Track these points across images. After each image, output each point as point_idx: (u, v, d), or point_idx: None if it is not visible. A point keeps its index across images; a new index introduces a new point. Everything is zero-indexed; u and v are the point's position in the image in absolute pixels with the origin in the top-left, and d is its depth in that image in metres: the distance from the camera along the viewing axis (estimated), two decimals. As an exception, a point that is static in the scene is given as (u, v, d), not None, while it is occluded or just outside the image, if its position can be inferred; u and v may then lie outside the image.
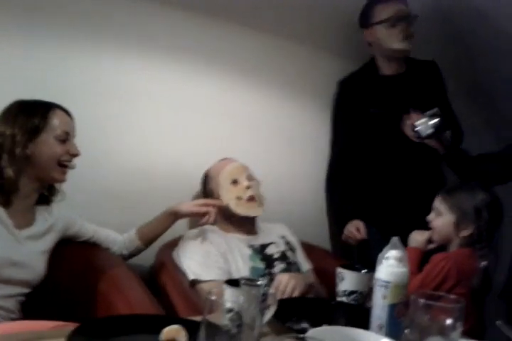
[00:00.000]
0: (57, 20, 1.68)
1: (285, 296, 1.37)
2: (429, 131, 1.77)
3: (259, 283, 0.98)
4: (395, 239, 1.00)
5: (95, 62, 1.76)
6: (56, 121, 1.40)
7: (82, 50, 1.73)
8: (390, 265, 0.98)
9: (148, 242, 1.66)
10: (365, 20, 2.06)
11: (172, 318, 1.10)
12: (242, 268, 1.63)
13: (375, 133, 2.06)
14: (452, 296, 0.91)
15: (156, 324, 0.98)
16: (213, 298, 0.81)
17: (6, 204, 1.34)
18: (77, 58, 1.72)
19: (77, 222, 1.56)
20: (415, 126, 1.80)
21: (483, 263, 1.45)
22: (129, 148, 1.83)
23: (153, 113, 1.88)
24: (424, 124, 1.78)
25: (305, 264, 1.81)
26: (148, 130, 1.87)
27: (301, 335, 0.72)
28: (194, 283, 1.56)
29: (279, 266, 1.70)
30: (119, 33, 1.79)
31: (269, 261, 1.70)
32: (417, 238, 1.61)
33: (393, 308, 0.97)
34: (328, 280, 1.73)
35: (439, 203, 1.59)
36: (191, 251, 1.63)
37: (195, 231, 1.72)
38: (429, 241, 1.61)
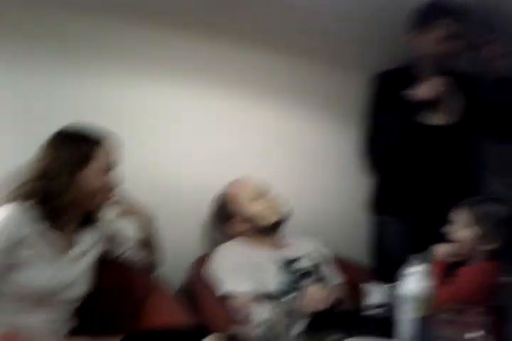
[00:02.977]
0: (108, 48, 1.78)
1: (314, 308, 1.41)
2: None
3: (290, 296, 1.02)
4: (416, 255, 1.04)
5: (127, 85, 1.83)
6: (102, 151, 1.44)
7: (119, 75, 1.82)
8: (415, 280, 1.02)
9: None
10: (417, 25, 2.04)
11: (210, 330, 1.15)
12: (271, 282, 1.67)
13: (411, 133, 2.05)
14: (479, 309, 0.94)
15: (194, 336, 1.04)
16: (246, 311, 0.85)
17: (58, 229, 1.41)
18: (113, 83, 1.81)
19: (117, 235, 1.61)
20: None
21: (507, 279, 1.44)
22: (158, 167, 1.89)
23: (179, 132, 1.94)
24: None
25: (335, 278, 1.84)
26: (176, 149, 1.94)
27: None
28: (226, 296, 1.61)
29: (307, 280, 1.73)
30: (151, 57, 1.87)
31: (297, 275, 1.74)
32: (441, 250, 1.61)
33: (420, 321, 1.00)
34: (359, 294, 1.76)
35: (463, 215, 1.57)
36: (223, 265, 1.69)
37: (225, 245, 1.78)
38: (453, 253, 1.59)
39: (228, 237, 1.85)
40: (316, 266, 1.81)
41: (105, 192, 1.47)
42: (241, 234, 1.81)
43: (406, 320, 1.01)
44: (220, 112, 2.01)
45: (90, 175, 1.42)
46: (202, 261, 1.79)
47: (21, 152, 1.53)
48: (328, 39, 2.17)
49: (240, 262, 1.70)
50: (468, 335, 0.88)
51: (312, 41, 2.14)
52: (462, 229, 1.57)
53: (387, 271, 1.41)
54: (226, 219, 1.83)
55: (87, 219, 1.53)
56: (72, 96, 1.73)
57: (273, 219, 1.79)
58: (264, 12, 2.03)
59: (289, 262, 1.77)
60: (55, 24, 1.72)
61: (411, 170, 2.13)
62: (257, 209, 1.79)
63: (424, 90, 1.97)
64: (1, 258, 1.30)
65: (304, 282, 1.72)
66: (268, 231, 1.80)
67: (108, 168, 1.46)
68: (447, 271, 1.58)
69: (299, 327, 1.04)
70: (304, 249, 1.86)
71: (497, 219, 1.52)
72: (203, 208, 1.96)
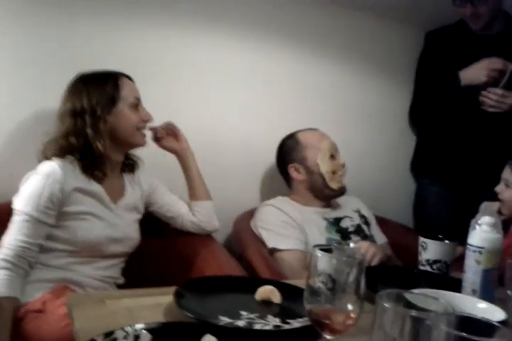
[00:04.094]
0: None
1: (367, 262, 1.39)
2: None
3: (350, 246, 1.00)
4: (488, 205, 1.00)
5: (167, 38, 1.80)
6: (126, 88, 1.41)
7: (152, 25, 1.76)
8: (484, 231, 0.98)
9: (200, 195, 1.61)
10: None
11: (263, 280, 1.15)
12: (318, 239, 1.66)
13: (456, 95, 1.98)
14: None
15: (249, 285, 1.03)
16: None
17: (103, 178, 1.40)
18: (148, 33, 1.76)
19: (159, 187, 1.60)
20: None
21: None
22: (199, 122, 1.86)
23: (224, 86, 1.91)
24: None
25: (380, 237, 1.82)
26: (219, 103, 1.91)
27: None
28: (273, 251, 1.61)
29: (354, 239, 1.71)
30: (188, 7, 1.81)
31: (344, 233, 1.73)
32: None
33: (487, 273, 0.97)
34: (404, 254, 1.74)
35: (508, 174, 1.52)
36: (268, 222, 1.68)
37: (269, 202, 1.77)
38: (499, 212, 1.52)
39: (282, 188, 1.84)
40: (362, 225, 1.79)
41: (140, 128, 1.44)
42: (297, 183, 1.78)
43: (472, 271, 0.97)
44: (263, 65, 1.97)
45: (121, 113, 1.39)
46: (246, 216, 1.79)
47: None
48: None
49: (285, 220, 1.68)
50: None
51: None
52: (507, 188, 1.52)
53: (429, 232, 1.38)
54: (291, 161, 1.78)
55: (128, 166, 1.53)
56: (115, 49, 1.71)
57: (336, 186, 1.74)
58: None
59: (336, 220, 1.75)
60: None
61: (455, 135, 2.06)
62: (328, 168, 1.73)
63: (475, 73, 1.89)
64: (45, 216, 1.30)
65: (351, 240, 1.71)
66: (322, 193, 1.76)
67: (135, 102, 1.43)
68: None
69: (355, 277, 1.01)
70: (348, 208, 1.83)
71: None
72: (242, 164, 1.95)
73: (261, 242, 1.65)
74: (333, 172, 1.74)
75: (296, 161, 1.77)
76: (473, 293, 0.97)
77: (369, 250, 1.42)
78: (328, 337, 0.77)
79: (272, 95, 2.00)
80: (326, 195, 1.77)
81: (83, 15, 1.66)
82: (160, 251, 1.59)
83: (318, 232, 1.68)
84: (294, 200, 1.79)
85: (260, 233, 1.67)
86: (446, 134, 2.09)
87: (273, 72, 1.98)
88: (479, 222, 1.00)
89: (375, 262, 1.42)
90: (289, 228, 1.66)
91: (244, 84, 1.95)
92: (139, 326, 0.80)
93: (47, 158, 1.37)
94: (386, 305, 0.59)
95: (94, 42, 1.68)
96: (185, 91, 1.84)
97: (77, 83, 1.40)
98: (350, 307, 0.76)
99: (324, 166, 1.73)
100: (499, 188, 1.55)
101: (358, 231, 1.75)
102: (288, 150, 1.80)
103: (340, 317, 0.76)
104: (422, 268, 1.30)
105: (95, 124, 1.36)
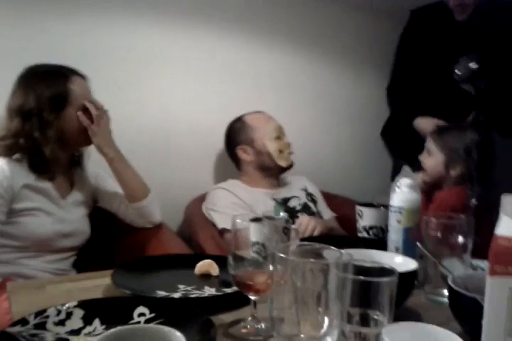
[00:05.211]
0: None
1: (306, 235, 1.45)
2: (466, 74, 1.82)
3: (280, 216, 1.04)
4: (406, 168, 1.05)
5: (113, 27, 1.81)
6: (77, 90, 1.39)
7: (98, 15, 1.78)
8: (403, 192, 1.04)
9: (130, 197, 1.52)
10: None
11: (204, 255, 1.19)
12: (267, 219, 1.71)
13: (431, 75, 2.03)
14: (461, 216, 0.97)
15: (191, 261, 1.07)
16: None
17: (52, 179, 1.40)
18: (95, 23, 1.77)
19: (103, 180, 1.57)
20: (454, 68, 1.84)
21: (474, 202, 1.47)
22: (147, 110, 1.89)
23: (171, 74, 1.93)
24: (462, 66, 1.83)
25: (327, 213, 1.89)
26: (168, 90, 1.93)
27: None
28: (223, 232, 1.66)
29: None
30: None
31: (292, 212, 1.78)
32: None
33: (407, 231, 1.03)
34: (351, 227, 1.80)
35: (430, 143, 1.60)
36: (219, 204, 1.73)
37: (220, 185, 1.81)
38: (422, 180, 1.60)
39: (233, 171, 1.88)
40: (309, 203, 1.85)
41: (86, 130, 1.42)
42: (246, 164, 1.83)
43: (394, 230, 1.04)
44: (215, 53, 2.00)
45: (70, 117, 1.38)
46: (198, 200, 1.83)
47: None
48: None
49: (234, 201, 1.73)
50: (456, 238, 0.90)
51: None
52: (429, 157, 1.59)
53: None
54: (239, 143, 1.83)
55: (74, 162, 1.53)
56: (59, 39, 1.71)
57: (284, 164, 1.80)
58: None
59: (284, 201, 1.81)
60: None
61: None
62: (275, 147, 1.79)
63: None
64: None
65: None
66: (271, 171, 1.82)
67: (85, 105, 1.40)
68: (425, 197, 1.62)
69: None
70: (295, 187, 1.89)
71: (460, 146, 1.53)
72: (190, 150, 1.97)
73: (211, 225, 1.70)
74: (280, 151, 1.80)
75: (244, 143, 1.81)
76: (397, 250, 1.03)
77: (309, 223, 1.48)
78: (252, 297, 0.82)
79: (222, 82, 2.03)
80: (274, 172, 1.82)
81: (30, 5, 1.66)
82: (111, 242, 1.61)
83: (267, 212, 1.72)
84: (243, 182, 1.83)
85: (211, 215, 1.72)
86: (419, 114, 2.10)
87: (223, 59, 2.02)
88: (398, 183, 1.05)
89: (316, 233, 1.48)
90: (238, 209, 1.70)
91: (194, 71, 1.97)
92: (72, 303, 0.82)
93: None
94: (283, 255, 0.63)
95: (38, 33, 1.69)
96: (133, 78, 1.85)
97: (26, 78, 1.38)
98: (272, 267, 0.80)
99: (271, 146, 1.79)
100: (422, 156, 1.62)
101: (305, 209, 1.81)
102: (235, 133, 1.85)
103: (262, 278, 0.81)
104: (359, 235, 1.36)
105: (43, 129, 1.34)
